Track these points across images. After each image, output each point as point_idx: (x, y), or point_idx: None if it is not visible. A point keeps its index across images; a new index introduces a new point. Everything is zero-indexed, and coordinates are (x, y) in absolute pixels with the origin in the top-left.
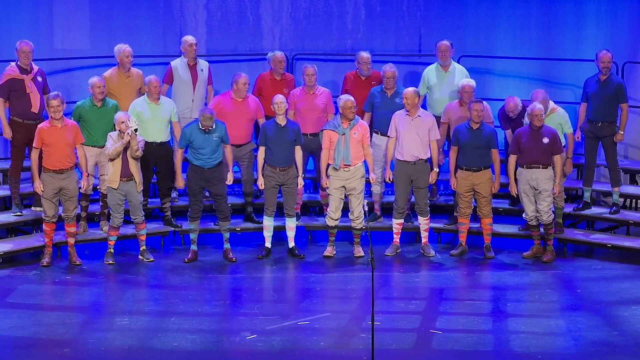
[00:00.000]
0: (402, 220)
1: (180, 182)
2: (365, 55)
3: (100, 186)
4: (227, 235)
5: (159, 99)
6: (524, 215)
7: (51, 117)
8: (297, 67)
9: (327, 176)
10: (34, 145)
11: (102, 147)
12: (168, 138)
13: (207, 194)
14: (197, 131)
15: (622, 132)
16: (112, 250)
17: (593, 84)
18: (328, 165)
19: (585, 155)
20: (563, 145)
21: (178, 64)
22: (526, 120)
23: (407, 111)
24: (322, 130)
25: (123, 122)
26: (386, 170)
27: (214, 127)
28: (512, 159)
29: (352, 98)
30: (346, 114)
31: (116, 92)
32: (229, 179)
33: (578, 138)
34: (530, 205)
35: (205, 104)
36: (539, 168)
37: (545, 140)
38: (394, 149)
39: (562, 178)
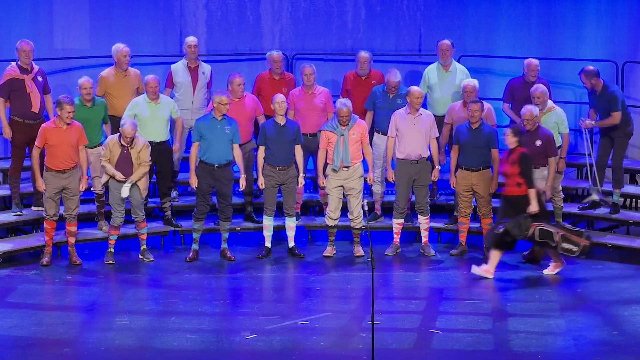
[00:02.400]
0: (402, 220)
1: (194, 179)
2: (362, 55)
3: (93, 187)
4: (226, 235)
5: (157, 98)
6: None
7: (62, 119)
8: (297, 66)
9: (325, 176)
10: (36, 144)
11: (93, 147)
12: (167, 137)
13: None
14: (209, 123)
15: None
16: (112, 250)
17: (590, 97)
18: (326, 165)
19: (598, 154)
20: (558, 145)
21: (179, 67)
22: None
23: (409, 110)
24: (320, 131)
25: (127, 130)
26: (387, 170)
27: (225, 117)
28: None
29: (349, 105)
30: (341, 121)
31: (113, 91)
32: (242, 184)
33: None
34: None
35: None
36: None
37: (538, 142)
38: (395, 148)
39: (555, 180)
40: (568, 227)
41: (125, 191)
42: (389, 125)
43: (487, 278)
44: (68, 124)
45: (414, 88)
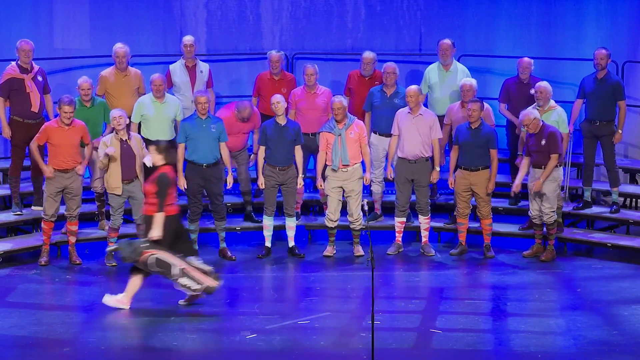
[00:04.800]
0: (404, 219)
1: (182, 181)
2: (366, 55)
3: (92, 186)
4: (222, 234)
5: (163, 97)
6: (529, 212)
7: (62, 120)
8: (298, 66)
9: (324, 178)
10: (35, 139)
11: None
12: (172, 136)
13: (204, 193)
14: (195, 123)
15: (620, 132)
16: (112, 253)
17: (590, 82)
18: (325, 166)
19: (584, 155)
20: None
21: (177, 67)
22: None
23: (410, 109)
24: (319, 133)
25: (114, 117)
26: (387, 169)
27: (209, 116)
28: (526, 160)
29: (343, 100)
30: (334, 115)
31: (113, 91)
32: (229, 182)
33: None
34: (535, 204)
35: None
36: (541, 169)
37: (543, 142)
38: (396, 147)
39: (551, 177)
40: (195, 264)
41: (148, 160)
42: (385, 125)
43: (123, 308)
44: (67, 125)
45: (409, 87)
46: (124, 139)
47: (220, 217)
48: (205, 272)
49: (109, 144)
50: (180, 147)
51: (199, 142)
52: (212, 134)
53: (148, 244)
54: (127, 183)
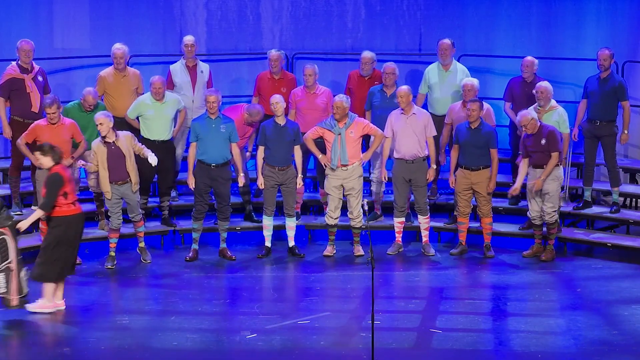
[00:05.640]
0: (403, 219)
1: (191, 180)
2: (365, 55)
3: (89, 185)
4: (224, 235)
5: (162, 98)
6: (528, 213)
7: (48, 120)
8: (298, 66)
9: (324, 175)
10: (25, 138)
11: (89, 150)
12: (171, 137)
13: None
14: (204, 122)
15: (626, 132)
16: (113, 254)
17: (593, 82)
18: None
19: (585, 155)
20: None
21: (177, 67)
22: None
23: (402, 110)
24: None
25: (97, 125)
26: (382, 170)
27: (220, 116)
28: (524, 162)
29: (344, 99)
30: (334, 113)
31: (112, 91)
32: (240, 182)
33: (575, 137)
34: (534, 204)
35: None
36: (542, 168)
37: (543, 141)
38: (392, 148)
39: (552, 176)
40: (21, 275)
41: (153, 158)
42: (385, 125)
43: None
44: (53, 124)
45: (400, 87)
46: (110, 142)
47: (224, 217)
48: (20, 288)
49: (96, 151)
50: (192, 147)
51: (209, 142)
52: (221, 134)
53: (10, 225)
54: (120, 184)
